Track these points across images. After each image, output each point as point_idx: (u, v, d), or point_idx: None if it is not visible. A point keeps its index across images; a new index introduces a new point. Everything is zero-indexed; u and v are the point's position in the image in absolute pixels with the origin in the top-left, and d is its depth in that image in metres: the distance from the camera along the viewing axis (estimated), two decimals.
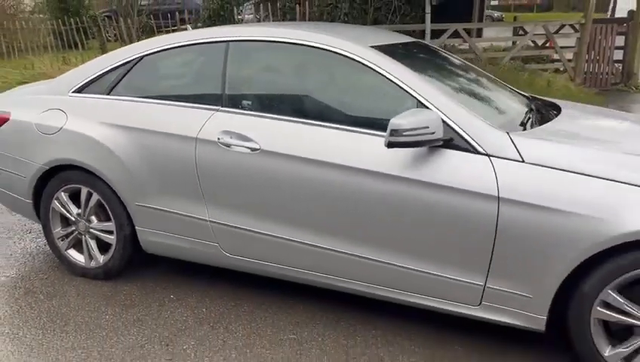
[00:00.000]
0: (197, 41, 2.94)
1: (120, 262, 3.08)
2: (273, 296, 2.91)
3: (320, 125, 2.51)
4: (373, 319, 2.69)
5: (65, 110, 3.07)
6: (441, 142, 2.27)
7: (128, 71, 3.03)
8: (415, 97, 2.39)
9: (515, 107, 2.86)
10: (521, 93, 3.30)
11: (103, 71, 3.09)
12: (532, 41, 11.03)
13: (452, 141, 2.29)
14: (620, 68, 10.24)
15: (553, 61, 10.83)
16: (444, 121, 2.29)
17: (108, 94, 3.03)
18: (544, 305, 2.21)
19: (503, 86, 3.26)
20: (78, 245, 3.19)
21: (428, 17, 8.67)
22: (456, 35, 9.56)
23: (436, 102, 2.36)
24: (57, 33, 13.10)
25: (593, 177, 2.10)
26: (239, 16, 9.70)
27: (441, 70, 3.01)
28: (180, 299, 2.93)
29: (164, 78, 3.06)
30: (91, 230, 3.10)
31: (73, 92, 3.13)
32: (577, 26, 9.92)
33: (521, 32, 11.91)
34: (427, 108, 2.35)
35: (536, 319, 2.25)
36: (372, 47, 2.59)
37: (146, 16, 13.02)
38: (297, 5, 9.33)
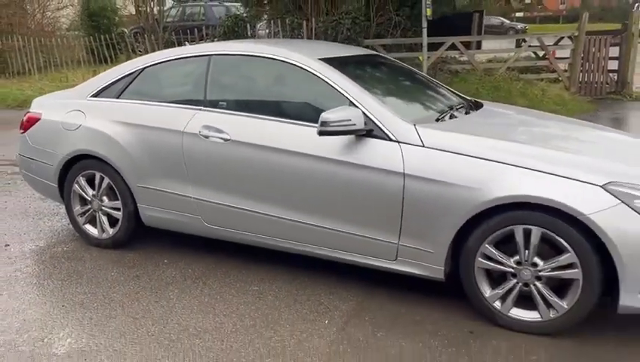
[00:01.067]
0: (187, 55, 3.69)
1: (125, 233, 3.81)
2: (245, 260, 3.58)
3: (276, 120, 3.20)
4: (321, 278, 3.33)
5: (84, 111, 3.84)
6: (364, 132, 2.93)
7: (133, 79, 3.80)
8: (347, 98, 3.06)
9: (441, 105, 3.51)
10: (458, 95, 3.94)
11: (114, 79, 3.86)
12: (533, 53, 11.53)
13: (373, 131, 2.95)
14: (615, 77, 10.66)
15: (554, 71, 11.31)
16: (367, 116, 2.96)
17: (117, 98, 3.79)
18: (442, 258, 2.83)
19: (443, 89, 3.91)
20: (92, 220, 3.93)
21: (424, 32, 9.28)
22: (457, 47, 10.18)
23: (362, 101, 3.02)
24: (89, 49, 14.19)
25: (472, 157, 2.73)
26: (253, 32, 10.49)
27: (381, 76, 3.69)
28: (171, 263, 3.64)
29: (161, 84, 3.79)
30: (103, 208, 3.84)
31: (91, 97, 3.90)
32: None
33: (522, 44, 12.41)
34: (355, 106, 3.01)
35: (438, 270, 2.87)
36: (320, 59, 3.28)
37: (170, 32, 13.99)
38: (305, 21, 10.08)
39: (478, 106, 3.72)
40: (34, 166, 4.09)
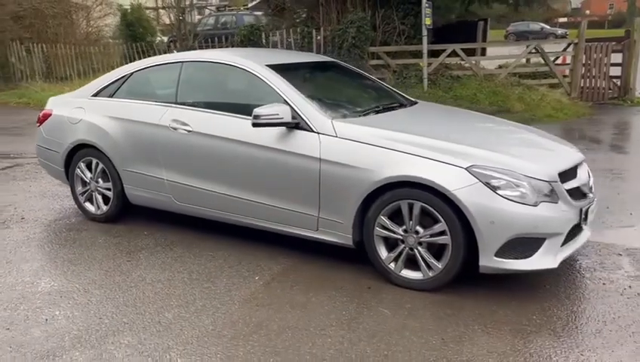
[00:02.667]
0: (166, 61, 4.46)
1: (115, 210, 4.59)
2: (209, 232, 4.28)
3: (227, 115, 3.90)
4: (265, 247, 3.99)
5: (84, 107, 4.65)
6: (293, 125, 3.59)
7: (125, 81, 4.59)
8: (282, 97, 3.72)
9: (374, 103, 4.13)
10: (398, 95, 4.56)
11: (110, 81, 4.66)
12: (542, 58, 11.84)
13: (300, 124, 3.61)
14: (618, 83, 10.90)
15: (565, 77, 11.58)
16: (296, 112, 3.62)
17: (111, 97, 4.59)
18: (349, 227, 3.46)
19: (385, 91, 4.55)
20: (90, 199, 4.73)
21: (424, 39, 9.86)
22: (470, 53, 10.65)
23: (293, 100, 3.68)
24: (126, 56, 15.32)
25: (370, 145, 3.35)
26: (267, 40, 11.25)
27: (325, 79, 4.35)
28: (150, 234, 4.38)
29: (145, 86, 4.56)
30: (98, 188, 4.64)
31: (91, 96, 4.72)
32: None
33: (533, 50, 12.72)
34: (287, 103, 3.67)
35: (347, 238, 3.50)
36: (267, 65, 3.96)
37: (199, 39, 14.98)
38: (314, 30, 10.79)
39: (412, 104, 4.34)
40: (47, 153, 4.94)
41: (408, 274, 3.34)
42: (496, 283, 3.31)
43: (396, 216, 3.32)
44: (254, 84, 3.91)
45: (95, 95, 4.70)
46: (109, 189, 4.57)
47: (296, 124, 3.60)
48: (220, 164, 3.91)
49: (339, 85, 4.40)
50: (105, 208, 4.64)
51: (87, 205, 4.75)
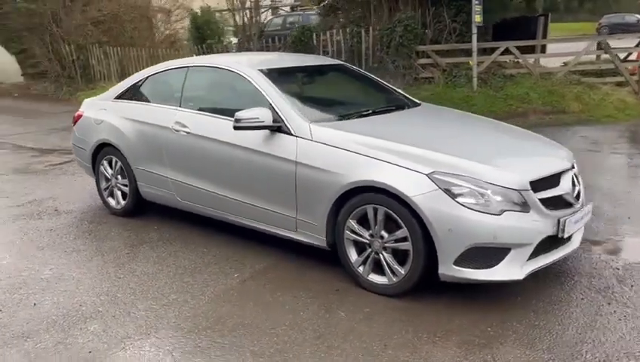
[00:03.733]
0: (176, 66, 4.71)
1: (132, 205, 4.91)
2: (209, 230, 4.47)
3: (220, 117, 4.07)
4: (254, 245, 4.12)
5: (107, 109, 5.02)
6: (274, 128, 3.70)
7: (141, 85, 4.89)
8: (268, 100, 3.83)
9: (365, 107, 4.13)
10: (402, 98, 4.56)
11: (130, 84, 5.00)
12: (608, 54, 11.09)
13: (281, 127, 3.70)
14: None
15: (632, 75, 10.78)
16: (279, 115, 3.71)
17: (129, 100, 4.91)
18: (322, 229, 3.51)
19: (385, 94, 4.54)
20: (112, 194, 5.10)
21: (474, 37, 9.57)
22: (529, 50, 10.21)
23: (277, 103, 3.78)
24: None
25: (341, 149, 3.39)
26: (318, 41, 11.39)
27: (318, 83, 4.40)
28: (158, 229, 4.66)
29: (156, 89, 4.83)
30: (117, 184, 4.98)
31: (114, 98, 5.07)
32: None
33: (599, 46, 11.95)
34: (272, 107, 3.78)
35: (322, 240, 3.56)
36: (259, 69, 4.09)
37: (265, 40, 15.37)
38: (363, 30, 10.78)
39: (411, 107, 4.34)
40: (79, 151, 5.37)
41: (375, 278, 3.35)
42: (470, 292, 3.24)
43: (365, 221, 3.34)
44: (246, 87, 4.04)
45: (117, 98, 5.05)
46: (126, 185, 4.90)
47: (278, 128, 3.70)
48: (213, 164, 4.09)
49: (335, 88, 4.45)
50: (123, 203, 4.98)
51: (110, 200, 5.12)
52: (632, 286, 3.33)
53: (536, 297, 3.22)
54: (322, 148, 3.48)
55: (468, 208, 2.97)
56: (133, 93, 4.93)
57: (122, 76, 15.43)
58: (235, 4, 16.86)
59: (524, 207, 3.06)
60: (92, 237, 4.54)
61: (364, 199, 3.28)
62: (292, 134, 3.64)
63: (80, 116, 5.33)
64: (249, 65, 4.16)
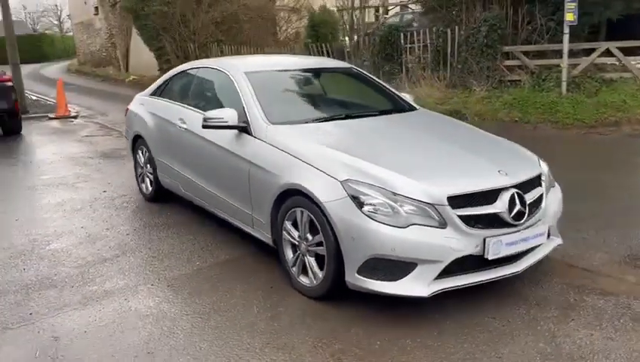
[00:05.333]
0: (191, 66, 5.11)
1: (156, 192, 5.43)
2: (208, 221, 4.80)
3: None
4: (238, 240, 4.37)
5: (143, 104, 5.59)
6: (240, 128, 3.90)
7: (167, 83, 5.38)
8: (241, 101, 4.04)
9: (341, 111, 4.16)
10: (397, 102, 4.50)
11: (160, 83, 5.51)
12: None
13: (247, 128, 3.90)
14: None
15: None
16: (246, 117, 3.91)
17: (158, 96, 5.43)
18: (268, 227, 3.65)
19: (373, 98, 4.53)
20: (143, 181, 5.67)
21: (565, 38, 8.80)
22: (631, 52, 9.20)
23: (247, 105, 3.97)
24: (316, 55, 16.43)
25: (283, 152, 3.49)
26: (405, 40, 11.22)
27: (304, 86, 4.48)
28: (171, 215, 5.08)
29: (175, 87, 5.27)
30: (147, 173, 5.54)
31: (150, 95, 5.63)
32: None
33: None
34: (243, 107, 3.98)
35: (268, 237, 3.70)
36: (244, 72, 4.31)
37: (374, 39, 15.41)
38: (449, 30, 10.41)
39: (401, 111, 4.34)
40: (127, 142, 6.05)
41: (302, 279, 3.41)
42: (402, 305, 3.15)
43: (297, 223, 3.41)
44: (230, 88, 4.28)
45: (152, 94, 5.60)
46: (151, 174, 5.44)
47: (243, 128, 3.90)
48: (201, 159, 4.41)
49: (323, 92, 4.51)
50: (150, 189, 5.52)
51: (142, 186, 5.70)
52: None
53: (453, 317, 3.05)
54: (269, 150, 3.61)
55: (371, 218, 2.92)
56: (161, 91, 5.44)
57: None
58: (344, 3, 17.11)
59: (441, 222, 2.93)
60: (117, 216, 5.08)
61: (295, 202, 3.35)
62: (252, 135, 3.82)
63: (127, 110, 5.98)
64: (238, 68, 4.39)
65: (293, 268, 3.48)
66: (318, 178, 3.18)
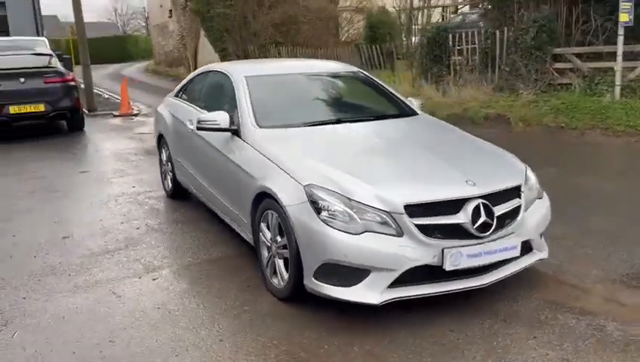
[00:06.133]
0: (207, 69, 5.30)
1: (175, 189, 5.68)
2: (216, 219, 4.98)
3: None
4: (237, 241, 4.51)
5: (167, 105, 5.87)
6: (232, 131, 4.03)
7: (187, 86, 5.62)
8: (237, 104, 4.17)
9: (333, 115, 4.18)
10: (399, 107, 4.50)
11: (182, 84, 5.76)
12: None
13: (238, 131, 4.02)
14: None
15: None
16: (239, 120, 4.03)
17: (179, 98, 5.67)
18: (249, 227, 3.75)
19: (373, 102, 4.52)
20: (165, 178, 5.95)
21: (620, 39, 8.28)
22: None
23: (241, 108, 4.09)
24: (367, 57, 16.46)
25: (262, 155, 3.57)
26: (453, 41, 10.95)
27: (301, 90, 4.52)
28: (184, 212, 5.32)
29: (191, 89, 5.48)
30: (168, 171, 5.81)
31: (173, 96, 5.90)
32: None
33: None
34: (237, 110, 4.10)
35: (250, 237, 3.80)
36: (245, 75, 4.43)
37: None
38: (497, 31, 10.05)
39: (399, 117, 4.33)
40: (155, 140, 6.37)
41: (273, 280, 3.48)
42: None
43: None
44: (232, 91, 4.42)
45: (175, 95, 5.86)
46: (171, 171, 5.70)
47: (235, 131, 4.02)
48: (202, 158, 4.59)
49: (322, 96, 4.54)
50: (170, 186, 5.79)
51: (165, 183, 5.99)
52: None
53: (410, 327, 3.01)
54: (252, 153, 3.71)
55: (326, 223, 2.94)
56: (182, 92, 5.68)
57: None
58: (402, 3, 16.92)
59: (397, 230, 2.91)
60: (137, 209, 5.41)
61: (267, 204, 3.43)
62: (241, 138, 3.94)
63: (156, 111, 6.30)
64: (240, 72, 4.52)
65: (267, 269, 3.55)
66: (285, 182, 3.25)
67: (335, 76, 4.90)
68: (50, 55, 11.11)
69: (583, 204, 5.07)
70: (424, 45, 11.45)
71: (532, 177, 3.55)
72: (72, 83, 10.65)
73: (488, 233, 3.01)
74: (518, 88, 9.53)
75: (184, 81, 5.80)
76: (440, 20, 16.17)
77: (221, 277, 3.80)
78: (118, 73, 29.90)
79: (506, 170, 3.44)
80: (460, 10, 22.58)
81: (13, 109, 9.85)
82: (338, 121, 4.09)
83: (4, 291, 3.67)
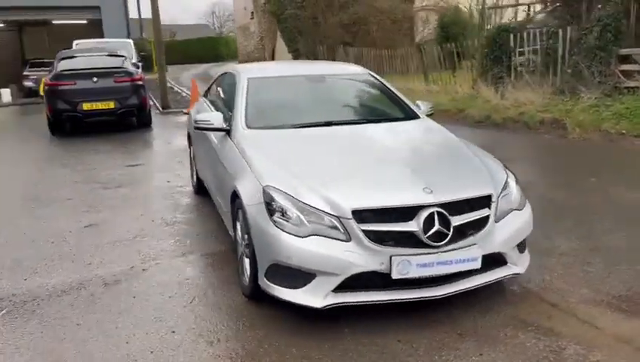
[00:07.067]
0: (225, 71, 5.48)
1: (198, 185, 5.93)
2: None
3: None
4: None
5: (196, 104, 6.13)
6: (224, 130, 4.16)
7: (211, 85, 5.84)
8: (237, 105, 4.29)
9: (320, 117, 4.17)
10: (402, 110, 4.45)
11: (209, 85, 6.00)
12: None
13: (229, 130, 4.14)
14: None
15: None
16: (233, 120, 4.15)
17: (204, 97, 5.91)
18: (230, 224, 3.86)
19: (375, 106, 4.47)
20: (193, 175, 6.21)
21: None
22: None
23: (236, 109, 4.21)
24: (440, 56, 16.04)
25: (240, 155, 3.66)
26: (515, 41, 10.44)
27: (302, 91, 4.55)
28: (199, 207, 5.56)
29: (212, 90, 5.68)
30: (193, 167, 6.07)
31: (202, 96, 6.15)
32: None
33: None
34: (234, 111, 4.23)
35: (232, 234, 3.90)
36: (248, 77, 4.54)
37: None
38: (560, 31, 9.44)
39: (410, 118, 4.29)
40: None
41: (243, 278, 3.55)
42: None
43: None
44: (236, 92, 4.55)
45: (203, 95, 6.12)
46: (195, 168, 5.95)
47: (228, 130, 4.15)
48: (207, 156, 4.77)
49: (319, 98, 4.55)
50: (195, 182, 6.05)
51: (192, 180, 6.26)
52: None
53: (358, 333, 2.97)
54: (234, 152, 3.82)
55: (276, 225, 2.97)
56: (207, 92, 5.92)
57: None
58: (475, 2, 16.37)
59: (345, 235, 2.89)
60: (157, 203, 5.73)
61: (238, 203, 3.51)
62: (229, 137, 4.06)
63: (188, 112, 6.60)
64: (245, 73, 4.65)
65: (239, 267, 3.64)
66: (250, 182, 3.31)
67: (340, 78, 4.89)
68: (122, 57, 11.92)
69: (613, 219, 4.68)
70: (484, 46, 11.02)
71: (513, 187, 3.37)
72: (140, 82, 11.35)
73: (443, 243, 2.90)
74: (579, 91, 8.93)
75: (211, 82, 6.03)
76: (512, 19, 15.42)
77: (209, 272, 3.94)
78: (206, 72, 31.31)
79: (478, 178, 3.28)
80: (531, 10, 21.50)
81: (86, 106, 10.71)
82: (327, 124, 4.09)
83: (11, 271, 4.04)
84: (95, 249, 4.44)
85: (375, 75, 4.92)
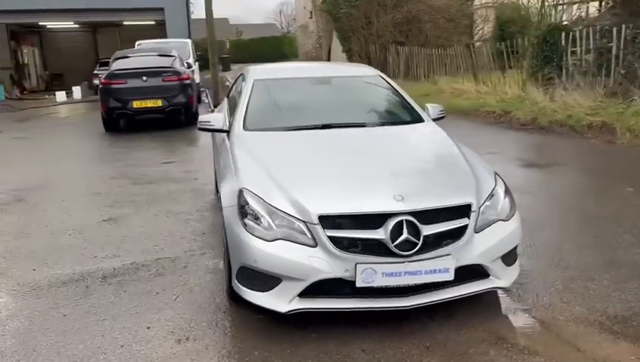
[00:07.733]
0: (243, 71, 5.55)
1: (216, 183, 6.04)
2: None
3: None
4: None
5: (219, 106, 6.26)
6: (225, 131, 4.22)
7: (232, 86, 5.93)
8: (239, 107, 4.34)
9: (320, 119, 4.13)
10: (407, 114, 4.34)
11: (231, 85, 6.10)
12: None
13: (229, 132, 4.19)
14: None
15: None
16: (233, 121, 4.21)
17: (227, 97, 6.02)
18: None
19: (379, 108, 4.40)
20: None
21: None
22: None
23: (238, 110, 4.27)
24: (491, 56, 15.58)
25: (232, 156, 3.70)
26: (567, 40, 9.94)
27: (309, 93, 4.53)
28: (216, 201, 5.67)
29: (231, 90, 5.76)
30: (214, 166, 6.19)
31: (226, 96, 6.27)
32: None
33: None
34: (236, 112, 4.28)
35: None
36: (254, 79, 4.58)
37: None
38: (614, 29, 8.85)
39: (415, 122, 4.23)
40: None
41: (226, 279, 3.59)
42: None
43: None
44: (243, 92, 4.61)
45: (227, 96, 6.23)
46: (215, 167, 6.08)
47: (228, 131, 4.22)
48: (216, 156, 4.86)
49: (323, 100, 4.51)
50: (215, 180, 6.17)
51: (215, 178, 6.40)
52: None
53: (325, 340, 2.93)
54: (227, 154, 3.87)
55: (245, 227, 2.99)
56: (229, 93, 6.02)
57: (406, 75, 16.60)
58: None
59: (313, 241, 2.86)
60: (178, 196, 5.90)
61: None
62: (228, 138, 4.12)
63: (212, 111, 6.75)
64: (253, 74, 4.70)
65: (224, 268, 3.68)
66: (230, 184, 3.35)
67: (347, 81, 4.83)
68: (172, 56, 12.34)
69: (639, 233, 4.38)
70: (534, 44, 10.54)
71: (501, 197, 3.21)
72: (187, 81, 11.72)
73: (411, 252, 2.81)
74: (632, 94, 8.37)
75: (232, 82, 6.13)
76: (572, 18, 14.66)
77: (207, 268, 4.00)
78: None
79: (460, 187, 3.15)
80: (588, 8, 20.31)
81: (136, 104, 11.20)
82: (325, 127, 4.06)
83: (13, 261, 4.29)
84: (106, 243, 4.63)
85: (385, 77, 4.82)
